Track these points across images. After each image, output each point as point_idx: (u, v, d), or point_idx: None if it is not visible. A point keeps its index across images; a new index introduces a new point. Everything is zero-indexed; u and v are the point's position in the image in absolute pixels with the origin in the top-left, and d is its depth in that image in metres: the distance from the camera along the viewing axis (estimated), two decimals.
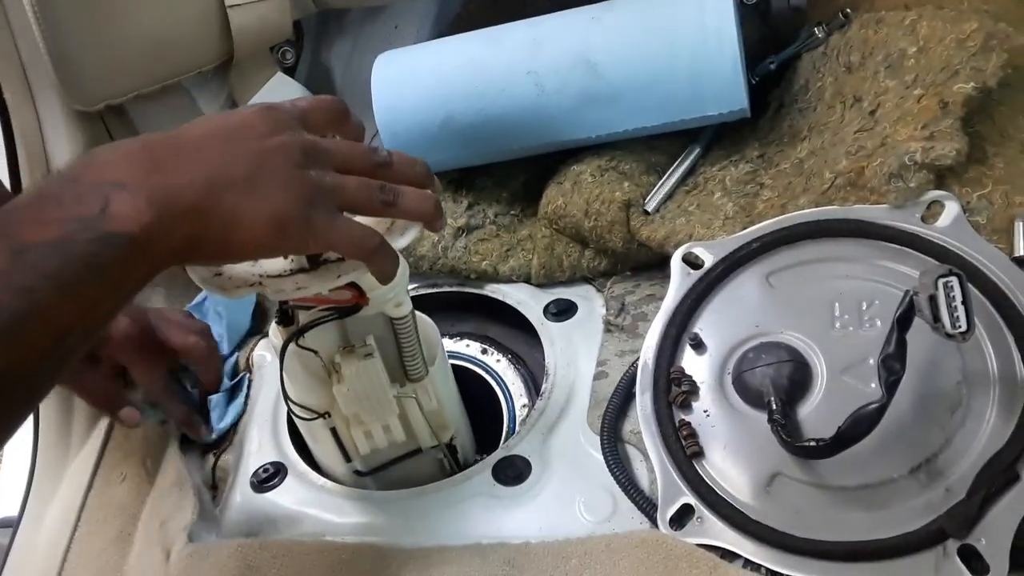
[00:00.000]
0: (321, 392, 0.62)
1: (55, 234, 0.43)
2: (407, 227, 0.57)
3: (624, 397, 0.67)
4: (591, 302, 0.79)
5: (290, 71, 0.96)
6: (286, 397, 0.62)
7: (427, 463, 0.69)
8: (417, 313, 0.64)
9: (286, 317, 0.61)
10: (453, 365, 0.72)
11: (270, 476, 0.70)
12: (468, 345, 0.82)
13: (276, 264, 0.56)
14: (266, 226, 0.48)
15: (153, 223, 0.45)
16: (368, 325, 0.61)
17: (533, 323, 0.78)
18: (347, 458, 0.66)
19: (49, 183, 0.46)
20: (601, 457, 0.64)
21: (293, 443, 0.73)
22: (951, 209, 0.63)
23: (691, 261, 0.70)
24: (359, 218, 0.54)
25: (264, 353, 0.82)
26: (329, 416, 0.63)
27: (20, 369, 0.43)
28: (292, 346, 0.59)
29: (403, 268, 0.58)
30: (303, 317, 0.60)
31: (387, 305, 0.60)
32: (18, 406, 0.45)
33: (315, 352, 0.60)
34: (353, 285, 0.57)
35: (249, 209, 0.48)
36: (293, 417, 0.64)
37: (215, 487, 0.73)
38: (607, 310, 0.76)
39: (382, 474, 0.68)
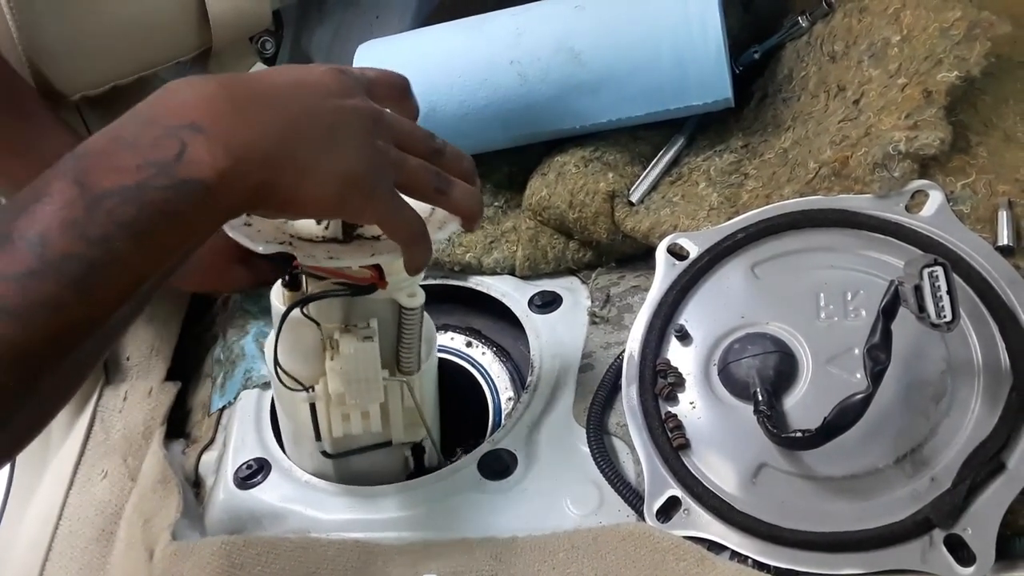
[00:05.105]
0: (311, 365, 0.62)
1: (130, 180, 0.42)
2: (446, 221, 0.57)
3: (610, 389, 0.67)
4: (576, 294, 0.78)
5: (270, 62, 0.95)
6: (275, 362, 0.61)
7: (394, 458, 0.68)
8: None
9: (294, 282, 0.60)
10: (438, 358, 0.72)
11: (254, 472, 0.70)
12: (453, 338, 0.81)
13: (309, 228, 0.56)
14: (335, 184, 0.48)
15: (228, 170, 0.44)
16: (373, 308, 0.60)
17: (518, 315, 0.78)
18: (318, 436, 0.66)
19: (125, 124, 0.45)
20: (587, 450, 0.64)
21: (276, 439, 0.72)
22: (935, 198, 0.63)
23: (676, 252, 0.70)
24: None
25: None
26: (312, 391, 0.62)
27: (98, 317, 0.43)
28: (294, 312, 0.59)
29: None
30: (312, 286, 0.59)
31: (401, 293, 0.60)
32: (95, 352, 0.46)
33: (317, 324, 0.59)
34: (375, 266, 0.57)
35: (323, 164, 0.47)
36: (274, 384, 0.64)
37: (198, 484, 0.72)
38: (592, 302, 0.76)
39: (346, 462, 0.67)
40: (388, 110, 0.53)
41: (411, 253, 0.53)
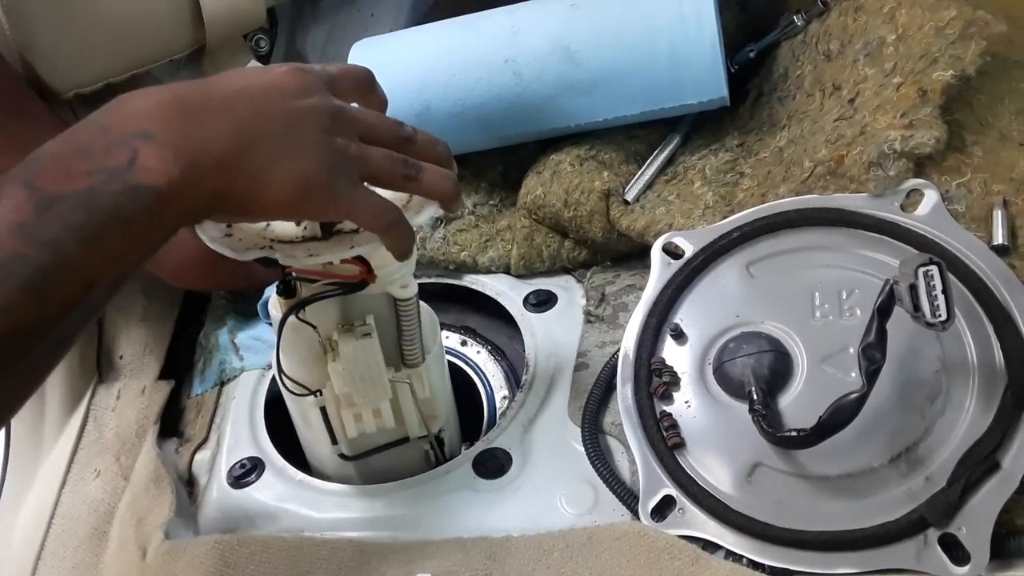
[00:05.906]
0: (315, 369, 0.61)
1: (82, 185, 0.43)
2: (424, 205, 0.56)
3: (605, 388, 0.67)
4: (571, 293, 0.78)
5: (264, 60, 0.94)
6: (279, 370, 0.61)
7: (412, 453, 0.68)
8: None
9: (288, 288, 0.60)
10: None
11: (247, 471, 0.70)
12: (448, 336, 0.81)
13: (288, 230, 0.56)
14: (291, 187, 0.48)
15: (180, 176, 0.45)
16: (369, 304, 0.60)
17: (513, 314, 0.78)
18: (334, 440, 0.66)
19: (78, 131, 0.45)
20: (582, 449, 0.64)
21: (271, 437, 0.72)
22: (930, 197, 0.63)
23: (671, 251, 0.70)
24: (379, 191, 0.53)
25: None
26: (320, 394, 0.62)
27: (48, 321, 0.43)
28: (291, 318, 0.58)
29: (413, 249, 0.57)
30: (305, 290, 0.59)
31: (393, 285, 0.60)
32: (48, 358, 0.46)
33: (314, 327, 0.59)
34: (362, 261, 0.57)
35: (277, 168, 0.48)
36: (284, 393, 0.64)
37: (191, 483, 0.72)
38: (587, 300, 0.76)
39: (366, 461, 0.67)
40: (354, 104, 0.53)
41: (391, 240, 0.53)
